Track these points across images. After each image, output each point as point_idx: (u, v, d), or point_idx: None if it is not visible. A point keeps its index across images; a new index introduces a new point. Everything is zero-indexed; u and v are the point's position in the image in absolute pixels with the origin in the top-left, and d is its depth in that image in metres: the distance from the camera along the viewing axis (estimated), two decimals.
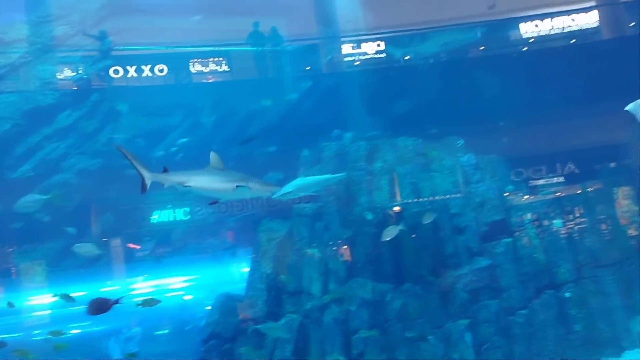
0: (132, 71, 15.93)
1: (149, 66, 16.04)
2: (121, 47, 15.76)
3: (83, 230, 13.83)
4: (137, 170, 7.29)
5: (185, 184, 7.58)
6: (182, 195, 14.51)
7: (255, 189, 7.78)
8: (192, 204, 15.07)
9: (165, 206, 15.63)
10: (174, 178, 7.51)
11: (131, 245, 15.81)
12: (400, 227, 11.19)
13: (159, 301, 9.70)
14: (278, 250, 12.37)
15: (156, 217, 15.87)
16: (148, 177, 7.25)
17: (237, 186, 7.46)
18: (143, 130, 13.68)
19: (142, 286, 14.71)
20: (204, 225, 15.23)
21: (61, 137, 13.38)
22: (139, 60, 15.99)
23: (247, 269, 12.73)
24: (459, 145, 13.43)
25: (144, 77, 16.06)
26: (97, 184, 13.57)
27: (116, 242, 15.26)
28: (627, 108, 8.95)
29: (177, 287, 14.76)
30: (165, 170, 7.07)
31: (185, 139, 13.61)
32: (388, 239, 11.12)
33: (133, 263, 15.27)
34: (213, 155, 7.50)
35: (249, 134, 13.15)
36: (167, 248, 16.05)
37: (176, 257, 15.48)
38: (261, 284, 12.07)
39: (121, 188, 13.51)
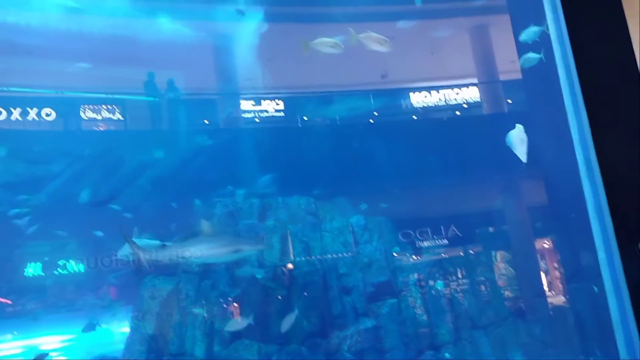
0: (16, 114, 15.06)
1: (35, 110, 15.25)
2: (6, 88, 14.95)
3: None
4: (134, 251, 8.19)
5: (182, 257, 7.90)
6: (60, 247, 13.70)
7: (247, 249, 8.27)
8: (69, 257, 14.17)
9: (41, 258, 14.59)
10: (172, 252, 8.11)
11: (1, 300, 14.54)
12: (295, 313, 10.96)
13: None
14: (161, 308, 11.88)
15: (30, 270, 14.74)
16: (144, 257, 8.18)
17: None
18: (20, 177, 12.87)
19: (10, 346, 13.54)
20: (82, 280, 14.31)
21: None
22: (24, 103, 15.17)
23: (127, 329, 12.07)
24: (362, 208, 13.77)
25: (29, 120, 15.22)
26: None
27: None
28: (506, 140, 9.77)
29: (49, 347, 13.64)
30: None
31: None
32: (286, 328, 10.90)
33: (2, 320, 14.03)
34: (204, 223, 8.80)
35: (105, 196, 12.73)
36: (40, 304, 14.90)
37: (50, 314, 14.40)
38: (141, 345, 11.49)
39: None
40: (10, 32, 14.66)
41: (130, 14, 15.31)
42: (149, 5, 15.45)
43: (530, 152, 15.22)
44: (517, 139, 9.81)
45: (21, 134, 14.33)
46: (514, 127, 16.14)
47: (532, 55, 12.23)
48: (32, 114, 15.09)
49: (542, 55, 10.89)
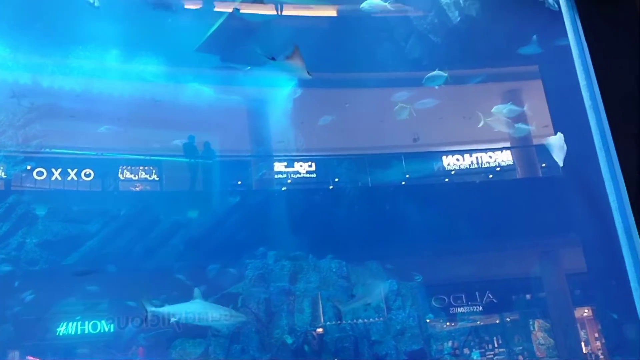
0: (56, 174, 15.51)
1: (75, 170, 15.69)
2: (50, 151, 15.48)
3: None
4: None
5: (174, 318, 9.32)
6: (91, 307, 13.74)
7: (231, 320, 10.75)
8: (100, 317, 14.17)
9: (73, 317, 14.63)
10: (167, 311, 10.70)
11: (31, 359, 14.52)
12: None
13: None
14: None
15: (62, 329, 14.77)
16: (150, 311, 10.42)
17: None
18: (57, 236, 13.12)
19: None
20: (112, 340, 14.23)
21: None
22: (65, 164, 15.64)
23: None
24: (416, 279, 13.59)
25: (69, 180, 15.64)
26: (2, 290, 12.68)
27: (14, 355, 13.98)
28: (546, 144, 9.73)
29: None
30: None
31: None
32: None
33: None
34: (196, 291, 10.89)
35: (86, 268, 12.89)
36: None
37: None
38: None
39: (24, 297, 12.68)
40: (55, 97, 15.34)
41: (169, 79, 15.91)
42: (186, 71, 16.04)
43: (567, 218, 14.97)
44: (557, 145, 9.79)
45: (61, 193, 14.69)
46: (548, 191, 15.98)
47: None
48: (72, 174, 15.51)
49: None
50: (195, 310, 11.30)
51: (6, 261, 12.66)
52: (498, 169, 18.35)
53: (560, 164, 9.66)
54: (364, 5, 12.57)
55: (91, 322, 15.10)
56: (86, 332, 15.04)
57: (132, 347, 14.99)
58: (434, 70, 13.47)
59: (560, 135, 9.97)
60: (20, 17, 12.73)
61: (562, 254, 16.22)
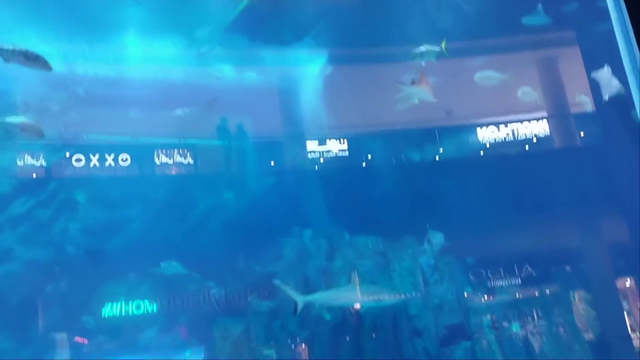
0: (94, 160, 15.83)
1: (112, 155, 15.99)
2: (85, 136, 15.78)
3: (28, 323, 13.14)
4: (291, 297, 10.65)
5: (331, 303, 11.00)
6: (134, 288, 14.10)
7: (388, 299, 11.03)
8: (144, 297, 14.54)
9: (117, 299, 15.04)
10: (320, 298, 11.05)
11: (79, 340, 15.01)
12: None
13: None
14: (232, 349, 11.96)
15: (107, 310, 15.21)
16: (300, 302, 10.60)
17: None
18: (99, 221, 13.45)
19: None
20: (155, 320, 14.60)
21: (13, 226, 13.01)
22: (102, 149, 15.95)
23: None
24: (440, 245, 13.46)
25: (107, 166, 15.96)
26: (45, 276, 13.09)
27: (62, 337, 14.48)
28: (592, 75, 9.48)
29: None
30: None
31: None
32: None
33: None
34: (353, 275, 11.36)
35: (98, 247, 13.10)
36: (115, 343, 15.29)
37: (125, 353, 14.75)
38: None
39: (71, 279, 13.08)
40: (90, 83, 15.59)
41: (201, 63, 15.99)
42: (218, 53, 16.08)
43: (607, 187, 14.63)
44: (606, 78, 9.54)
45: (99, 179, 15.01)
46: (587, 161, 15.62)
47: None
48: (110, 159, 15.81)
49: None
50: (348, 295, 11.56)
51: (51, 246, 13.06)
52: (535, 139, 17.97)
53: (606, 97, 9.34)
54: None
55: (134, 303, 15.52)
56: (130, 313, 15.47)
57: (175, 326, 15.37)
58: (467, 40, 13.17)
59: (607, 68, 9.60)
60: (52, 5, 12.93)
61: (603, 224, 15.88)
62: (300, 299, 10.96)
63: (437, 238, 11.75)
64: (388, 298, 11.59)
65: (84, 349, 14.64)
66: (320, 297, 11.46)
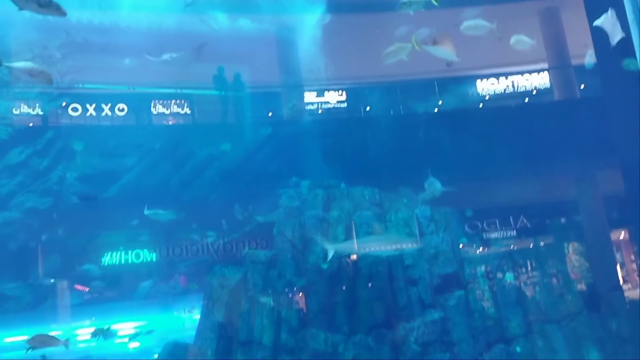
0: (91, 110, 15.74)
1: (109, 105, 15.89)
2: (81, 85, 15.63)
3: (28, 270, 13.34)
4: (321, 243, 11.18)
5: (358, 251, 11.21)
6: (134, 238, 14.25)
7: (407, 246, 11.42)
8: (144, 247, 14.74)
9: (116, 248, 15.24)
10: (347, 247, 11.48)
11: (79, 287, 15.28)
12: None
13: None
14: (230, 297, 12.15)
15: (107, 259, 15.44)
16: (331, 250, 11.03)
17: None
18: (96, 170, 13.46)
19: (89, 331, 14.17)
20: (155, 269, 14.86)
21: (10, 174, 13.03)
22: (99, 99, 15.84)
23: (198, 316, 12.44)
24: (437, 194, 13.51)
25: (103, 116, 15.88)
26: (45, 224, 13.20)
27: (63, 285, 14.73)
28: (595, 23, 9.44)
29: (124, 333, 14.23)
30: None
31: None
32: None
33: (80, 306, 14.75)
34: (376, 225, 11.77)
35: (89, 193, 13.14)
36: (116, 291, 15.59)
37: (125, 301, 15.04)
38: (212, 332, 11.80)
39: (70, 228, 13.20)
40: (84, 31, 15.31)
41: (197, 10, 15.66)
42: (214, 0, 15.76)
43: (606, 140, 14.60)
44: (610, 22, 9.40)
45: (96, 128, 14.96)
46: (587, 113, 15.54)
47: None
48: (106, 109, 15.71)
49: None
50: (374, 242, 11.71)
51: (49, 195, 13.12)
52: (534, 92, 17.86)
53: (615, 40, 9.16)
54: None
55: (134, 252, 15.75)
56: (130, 261, 15.71)
57: (174, 275, 15.65)
58: None
59: (612, 12, 9.39)
60: None
61: (600, 177, 15.95)
62: (330, 247, 11.36)
63: (436, 185, 11.82)
64: (411, 245, 11.86)
65: (85, 296, 14.95)
66: (348, 246, 11.89)
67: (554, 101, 17.53)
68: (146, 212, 11.38)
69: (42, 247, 13.71)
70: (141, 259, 15.68)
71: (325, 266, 12.21)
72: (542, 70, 18.10)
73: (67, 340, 8.44)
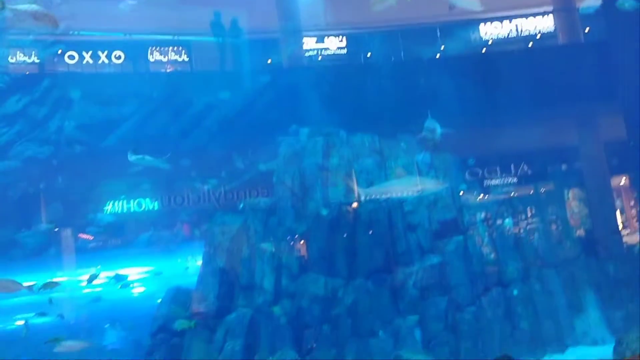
0: (87, 57, 15.55)
1: (105, 52, 15.68)
2: (77, 32, 15.36)
3: (31, 218, 13.47)
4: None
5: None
6: (135, 187, 14.31)
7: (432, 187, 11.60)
8: (145, 195, 14.83)
9: (118, 197, 15.33)
10: (377, 190, 11.73)
11: (83, 236, 15.46)
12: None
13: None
14: (231, 244, 12.29)
15: (109, 207, 15.56)
16: (362, 194, 11.58)
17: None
18: (94, 119, 13.39)
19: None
20: (157, 217, 15.00)
21: (9, 123, 12.98)
22: (95, 46, 15.61)
23: (200, 262, 12.62)
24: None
25: (100, 64, 15.70)
26: (45, 173, 13.24)
27: (66, 233, 14.91)
28: None
29: (130, 279, 14.49)
30: None
31: None
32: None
33: (84, 253, 14.96)
34: (399, 169, 12.12)
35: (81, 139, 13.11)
36: (119, 239, 15.79)
37: (129, 248, 15.24)
38: (213, 277, 11.98)
39: (71, 177, 13.24)
40: None
41: None
42: None
43: (608, 85, 14.42)
44: None
45: (93, 77, 14.80)
46: (590, 58, 15.27)
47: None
48: (103, 57, 15.51)
49: None
50: (401, 186, 11.97)
51: (47, 144, 13.10)
52: (538, 36, 17.51)
53: None
54: None
55: (136, 201, 15.85)
56: (132, 210, 15.83)
57: (177, 223, 15.80)
58: None
59: None
60: None
61: (601, 123, 15.82)
62: (361, 191, 11.86)
63: (435, 126, 11.82)
64: (435, 186, 12.03)
65: (88, 243, 15.14)
66: (377, 190, 12.14)
67: (558, 45, 17.20)
68: (131, 158, 10.72)
69: (43, 196, 13.80)
70: (143, 208, 15.80)
71: (325, 212, 12.29)
72: (547, 13, 17.68)
73: (33, 286, 8.58)
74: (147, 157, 10.90)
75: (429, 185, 12.00)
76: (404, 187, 11.90)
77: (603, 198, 15.79)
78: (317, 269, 11.98)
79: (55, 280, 9.94)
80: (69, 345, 9.48)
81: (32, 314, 11.17)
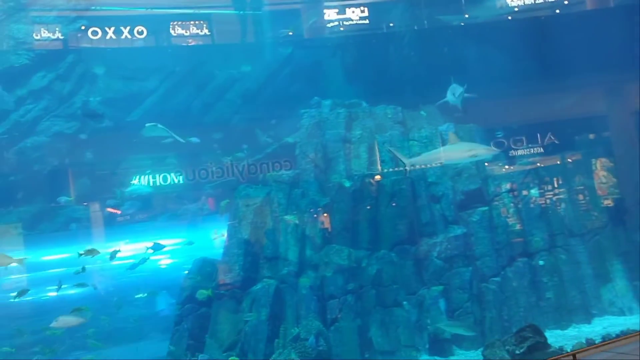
0: (110, 33, 15.57)
1: (127, 28, 15.68)
2: (100, 7, 15.39)
3: (58, 193, 13.68)
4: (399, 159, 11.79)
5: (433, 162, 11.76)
6: (160, 161, 14.43)
7: (483, 153, 11.67)
8: (170, 170, 14.93)
9: (144, 171, 15.47)
10: (423, 159, 11.97)
11: (110, 210, 15.67)
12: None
13: None
14: (255, 216, 12.40)
15: (135, 182, 15.71)
16: (407, 163, 11.67)
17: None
18: (119, 94, 13.49)
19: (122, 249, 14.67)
20: (182, 191, 15.11)
21: (35, 99, 13.15)
22: (118, 22, 15.62)
23: (225, 235, 12.77)
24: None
25: (123, 39, 15.71)
26: (73, 148, 13.42)
27: (95, 207, 15.13)
28: None
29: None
30: None
31: None
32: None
33: (112, 227, 15.19)
34: (452, 135, 11.98)
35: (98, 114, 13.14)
36: (146, 214, 15.95)
37: (155, 222, 15.42)
38: (238, 249, 12.15)
39: (99, 152, 13.41)
40: None
41: None
42: None
43: (637, 51, 14.00)
44: None
45: (116, 52, 14.85)
46: (620, 24, 14.81)
47: None
48: (125, 32, 15.52)
49: None
50: (448, 153, 12.08)
51: (74, 119, 13.27)
52: (566, 1, 17.01)
53: None
54: None
55: (161, 175, 15.96)
56: (157, 184, 15.95)
57: (202, 197, 15.90)
58: None
59: None
60: None
61: (630, 91, 15.41)
62: (407, 161, 11.91)
63: (459, 90, 11.75)
64: (484, 152, 12.05)
65: (116, 217, 15.35)
66: (424, 158, 12.30)
67: (586, 11, 16.70)
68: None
69: (72, 171, 13.99)
70: (168, 182, 15.92)
71: (348, 184, 12.30)
72: None
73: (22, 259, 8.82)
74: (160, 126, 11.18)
75: (481, 151, 11.96)
76: (456, 153, 11.92)
77: (631, 167, 15.46)
78: (340, 241, 12.05)
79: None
80: (64, 320, 9.74)
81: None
